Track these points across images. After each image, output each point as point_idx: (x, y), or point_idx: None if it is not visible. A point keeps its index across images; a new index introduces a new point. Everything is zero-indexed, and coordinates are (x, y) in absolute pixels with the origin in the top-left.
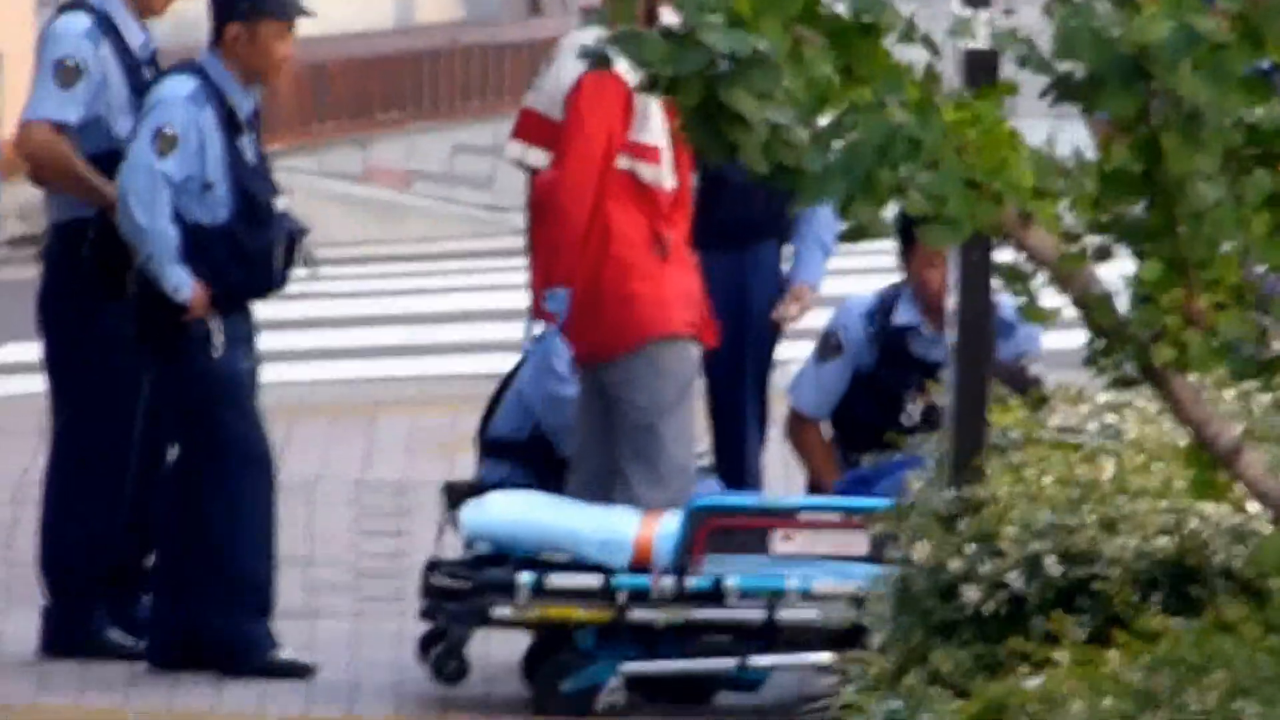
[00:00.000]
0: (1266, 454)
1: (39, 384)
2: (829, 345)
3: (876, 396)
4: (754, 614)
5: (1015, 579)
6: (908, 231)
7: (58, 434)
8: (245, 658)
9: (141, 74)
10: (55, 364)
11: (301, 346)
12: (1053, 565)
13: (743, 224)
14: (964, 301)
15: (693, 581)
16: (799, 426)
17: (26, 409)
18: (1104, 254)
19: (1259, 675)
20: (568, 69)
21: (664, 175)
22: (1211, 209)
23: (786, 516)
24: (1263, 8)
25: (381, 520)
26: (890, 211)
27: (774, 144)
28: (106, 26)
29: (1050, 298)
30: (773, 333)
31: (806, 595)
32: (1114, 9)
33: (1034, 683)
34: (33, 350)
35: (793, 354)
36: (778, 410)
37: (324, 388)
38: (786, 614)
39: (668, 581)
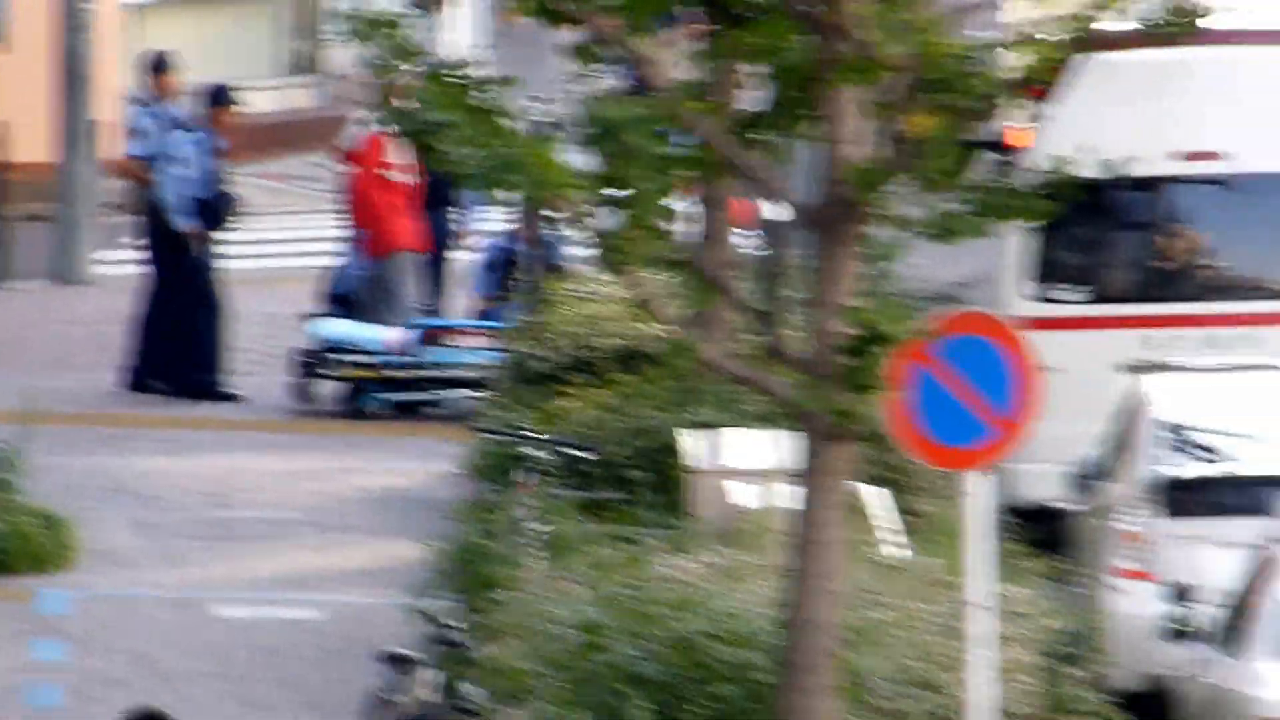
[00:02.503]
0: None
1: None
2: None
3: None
4: (446, 373)
5: (559, 355)
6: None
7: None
8: (209, 390)
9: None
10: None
11: (232, 254)
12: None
13: (438, 199)
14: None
15: (418, 359)
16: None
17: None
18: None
19: None
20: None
21: (407, 177)
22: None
23: (461, 330)
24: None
25: (278, 333)
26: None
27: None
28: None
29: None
30: (453, 245)
31: (470, 365)
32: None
33: (576, 405)
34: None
35: (459, 256)
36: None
37: (248, 272)
38: (460, 373)
39: (407, 359)
